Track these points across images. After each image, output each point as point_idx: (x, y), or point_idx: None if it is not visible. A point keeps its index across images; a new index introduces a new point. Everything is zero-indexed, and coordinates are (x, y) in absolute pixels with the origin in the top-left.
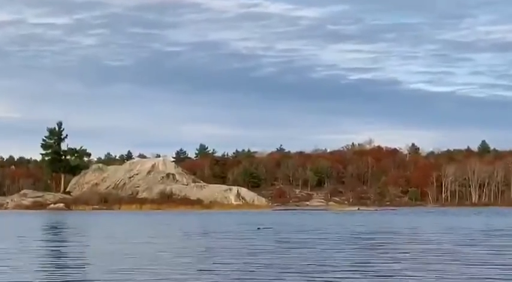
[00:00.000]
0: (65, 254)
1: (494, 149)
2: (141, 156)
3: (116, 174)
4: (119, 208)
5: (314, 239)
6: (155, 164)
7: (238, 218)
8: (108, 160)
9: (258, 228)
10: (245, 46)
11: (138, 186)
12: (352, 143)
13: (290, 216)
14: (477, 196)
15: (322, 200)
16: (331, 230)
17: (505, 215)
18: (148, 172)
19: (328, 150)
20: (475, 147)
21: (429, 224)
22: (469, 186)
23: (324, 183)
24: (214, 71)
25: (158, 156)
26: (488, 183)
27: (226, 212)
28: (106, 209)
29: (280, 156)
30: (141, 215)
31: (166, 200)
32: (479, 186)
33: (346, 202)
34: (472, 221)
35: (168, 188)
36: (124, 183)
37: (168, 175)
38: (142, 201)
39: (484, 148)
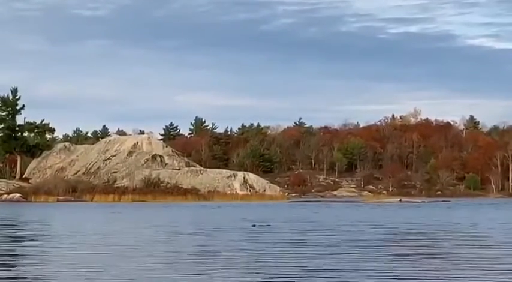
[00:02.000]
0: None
1: None
2: (120, 132)
3: (87, 156)
4: (92, 199)
5: (323, 246)
6: (138, 142)
7: (241, 212)
8: (78, 138)
9: (253, 226)
10: None
11: (116, 172)
12: (393, 116)
13: (309, 209)
14: None
15: (354, 189)
16: (357, 228)
17: None
18: (129, 153)
19: (361, 125)
20: None
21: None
22: None
23: (356, 168)
24: (215, 23)
25: (142, 132)
26: None
27: (228, 204)
28: (75, 201)
29: (300, 133)
30: (120, 208)
31: (153, 189)
32: None
33: (384, 192)
34: None
35: (154, 174)
36: (98, 168)
37: (154, 157)
38: (122, 191)
39: None
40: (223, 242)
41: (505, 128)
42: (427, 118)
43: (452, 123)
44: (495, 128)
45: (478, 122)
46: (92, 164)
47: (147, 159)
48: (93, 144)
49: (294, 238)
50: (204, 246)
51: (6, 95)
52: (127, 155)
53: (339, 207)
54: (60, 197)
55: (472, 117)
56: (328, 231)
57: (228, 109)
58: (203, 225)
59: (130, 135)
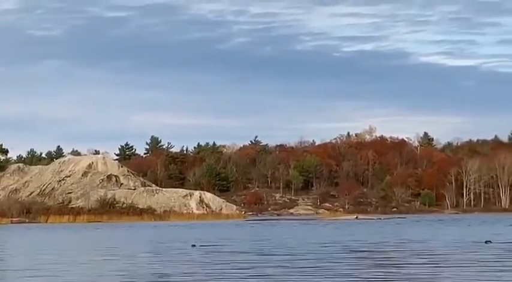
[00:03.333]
0: None
1: None
2: (75, 153)
3: (41, 176)
4: (46, 220)
5: (248, 268)
6: (93, 163)
7: (192, 232)
8: (32, 159)
9: (193, 246)
10: (211, 10)
11: (70, 192)
12: (348, 133)
13: (263, 228)
14: (508, 199)
15: (310, 207)
16: (307, 248)
17: None
18: (84, 174)
19: (317, 143)
20: (504, 136)
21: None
22: (498, 187)
23: (312, 186)
24: (169, 42)
25: (97, 152)
26: None
27: (183, 224)
28: (29, 222)
29: (256, 152)
30: (74, 229)
31: (108, 209)
32: (511, 187)
33: (341, 209)
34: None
35: (109, 194)
36: (52, 189)
37: (109, 177)
38: (77, 212)
39: None
40: (136, 264)
41: (458, 144)
42: (382, 135)
43: (406, 140)
44: (449, 145)
45: (432, 138)
46: (46, 185)
47: (102, 180)
48: (47, 164)
49: (225, 258)
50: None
51: None
52: (82, 175)
53: (295, 225)
54: (14, 219)
55: (426, 134)
56: (266, 252)
57: (184, 128)
58: (139, 246)
59: (85, 155)
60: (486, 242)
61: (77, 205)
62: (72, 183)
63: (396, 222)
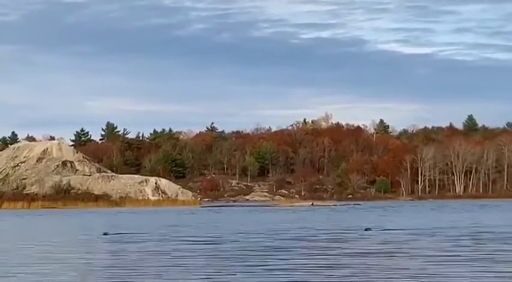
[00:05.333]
0: None
1: (484, 127)
2: (29, 138)
3: None
4: (0, 207)
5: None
6: (48, 148)
7: (126, 218)
8: None
9: (105, 234)
10: None
11: (25, 178)
12: (304, 120)
13: (214, 214)
14: (462, 186)
15: (266, 194)
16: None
17: (499, 210)
18: (39, 159)
19: (274, 130)
20: (459, 124)
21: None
22: (452, 174)
23: (268, 172)
24: (127, 28)
25: (52, 138)
26: (476, 170)
27: (137, 211)
28: None
29: (212, 138)
30: (27, 216)
31: (63, 195)
32: (465, 174)
33: (296, 196)
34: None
35: (64, 180)
36: (7, 174)
37: (64, 163)
38: (31, 198)
39: (470, 125)
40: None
41: (414, 131)
42: (338, 122)
43: (362, 127)
44: (404, 132)
45: (388, 126)
46: (0, 170)
47: (57, 165)
48: (1, 150)
49: (120, 247)
50: None
51: None
52: (36, 161)
53: (248, 211)
54: None
55: (382, 121)
56: (189, 238)
57: (140, 114)
58: (50, 235)
59: (40, 141)
60: (366, 229)
61: (32, 191)
62: (27, 169)
63: (357, 209)
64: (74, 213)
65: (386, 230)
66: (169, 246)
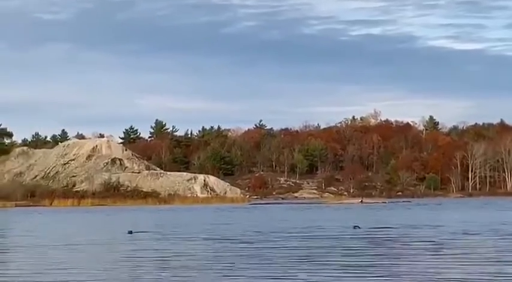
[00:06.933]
0: None
1: None
2: (79, 136)
3: (46, 160)
4: (51, 204)
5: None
6: (97, 146)
7: (185, 215)
8: (37, 142)
9: (130, 232)
10: None
11: (75, 176)
12: (353, 117)
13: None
14: None
15: (315, 191)
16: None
17: None
18: (89, 157)
19: (322, 127)
20: (510, 120)
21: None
22: (503, 171)
23: (317, 169)
24: (176, 26)
25: (101, 136)
26: None
27: (187, 208)
28: (33, 205)
29: (260, 135)
30: (78, 213)
31: (112, 192)
32: None
33: (345, 193)
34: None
35: (114, 178)
36: (57, 172)
37: (114, 160)
38: (81, 195)
39: None
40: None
41: (464, 128)
42: (387, 119)
43: (412, 124)
44: (454, 128)
45: (438, 122)
46: (50, 168)
47: (107, 163)
48: (52, 148)
49: (133, 248)
50: None
51: None
52: (86, 158)
53: (298, 209)
54: (19, 202)
55: (431, 118)
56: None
57: (189, 112)
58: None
59: (90, 139)
60: (354, 227)
61: (81, 188)
62: (77, 167)
63: (407, 206)
64: (122, 210)
65: (374, 228)
66: (181, 246)
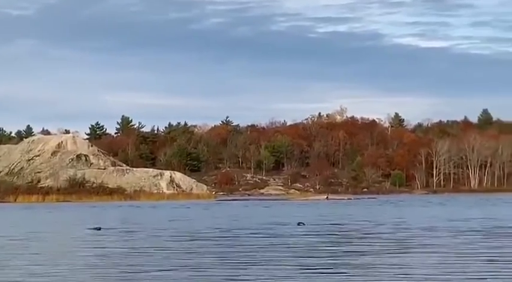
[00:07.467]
0: None
1: (499, 120)
2: (45, 132)
3: (10, 156)
4: (15, 200)
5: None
6: (62, 142)
7: (131, 212)
8: (1, 138)
9: (98, 229)
10: None
11: (40, 172)
12: (319, 114)
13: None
14: (477, 180)
15: (281, 187)
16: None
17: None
18: (54, 153)
19: (289, 123)
20: (474, 118)
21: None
22: (467, 168)
23: (283, 166)
24: (144, 22)
25: (67, 132)
26: (491, 164)
27: (151, 204)
28: None
29: (227, 132)
30: (41, 209)
31: (77, 189)
32: (480, 168)
33: (311, 189)
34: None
35: (79, 174)
36: (21, 168)
37: (79, 157)
38: (46, 191)
39: (485, 119)
40: None
41: (429, 125)
42: (353, 116)
43: (377, 121)
44: (419, 126)
45: (403, 119)
46: (15, 164)
47: (72, 159)
48: (16, 144)
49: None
50: None
51: None
52: (51, 154)
53: (260, 205)
54: None
55: (397, 115)
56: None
57: (155, 108)
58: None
59: (55, 134)
60: (298, 223)
61: (46, 185)
62: (42, 163)
63: (372, 202)
64: (87, 207)
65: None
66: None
